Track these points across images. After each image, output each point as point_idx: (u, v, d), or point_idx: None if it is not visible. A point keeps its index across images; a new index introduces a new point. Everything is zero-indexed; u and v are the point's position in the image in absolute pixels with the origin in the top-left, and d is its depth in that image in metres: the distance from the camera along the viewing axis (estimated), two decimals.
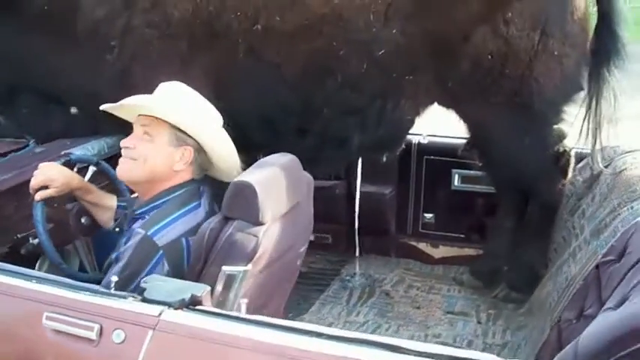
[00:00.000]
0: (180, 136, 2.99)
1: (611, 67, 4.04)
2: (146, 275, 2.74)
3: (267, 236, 2.88)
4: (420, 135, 4.93)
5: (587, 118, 4.13)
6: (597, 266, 3.11)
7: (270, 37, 3.90)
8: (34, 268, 3.24)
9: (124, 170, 3.02)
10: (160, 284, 2.50)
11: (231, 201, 2.86)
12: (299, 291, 4.61)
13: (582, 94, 4.17)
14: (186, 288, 2.47)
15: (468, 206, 4.90)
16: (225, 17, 3.91)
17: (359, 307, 4.47)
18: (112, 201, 3.40)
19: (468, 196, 4.88)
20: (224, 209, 2.89)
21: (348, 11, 3.83)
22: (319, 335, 2.22)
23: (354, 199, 5.04)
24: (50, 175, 3.22)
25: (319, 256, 5.19)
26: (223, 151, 3.17)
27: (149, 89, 3.91)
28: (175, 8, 3.95)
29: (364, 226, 5.02)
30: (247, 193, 2.81)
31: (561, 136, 4.22)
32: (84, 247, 3.55)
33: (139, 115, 3.03)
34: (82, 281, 2.89)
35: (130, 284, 2.72)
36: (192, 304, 2.39)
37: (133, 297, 2.43)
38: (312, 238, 5.08)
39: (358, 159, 4.62)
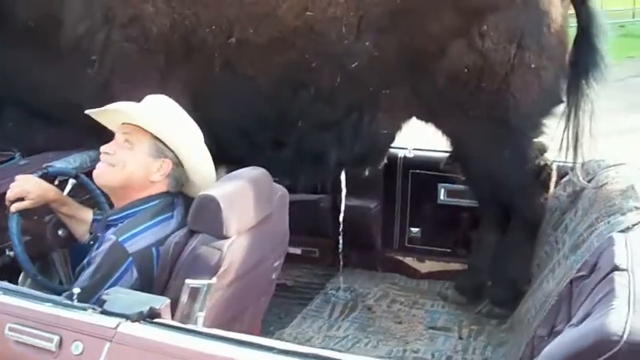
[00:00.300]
0: (161, 147, 3.03)
1: (590, 80, 4.02)
2: (115, 280, 2.79)
3: (233, 250, 2.88)
4: (405, 149, 4.91)
5: (566, 131, 4.10)
6: (571, 282, 3.09)
7: (245, 50, 3.92)
8: (11, 280, 3.25)
9: (100, 174, 3.05)
10: (120, 296, 2.52)
11: (195, 215, 2.89)
12: (282, 305, 4.63)
13: (562, 106, 4.15)
14: (146, 301, 2.48)
15: (454, 220, 4.87)
16: (200, 32, 3.95)
17: (340, 321, 4.44)
18: (87, 214, 3.41)
19: (454, 211, 4.85)
20: (189, 223, 2.92)
21: (321, 24, 3.85)
22: (270, 349, 2.22)
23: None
24: (26, 187, 3.25)
25: (306, 270, 5.17)
26: (200, 167, 3.19)
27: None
28: (153, 23, 3.99)
29: (350, 241, 4.98)
30: (211, 206, 2.83)
31: (542, 150, 4.18)
32: (60, 259, 3.57)
33: (122, 123, 3.06)
34: (56, 293, 2.94)
35: (98, 289, 2.74)
36: (150, 316, 2.40)
37: (93, 309, 2.45)
38: (298, 252, 5.19)
39: (339, 173, 4.61)
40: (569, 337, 2.47)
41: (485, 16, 3.83)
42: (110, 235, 2.87)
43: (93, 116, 3.14)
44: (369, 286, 4.89)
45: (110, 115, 3.11)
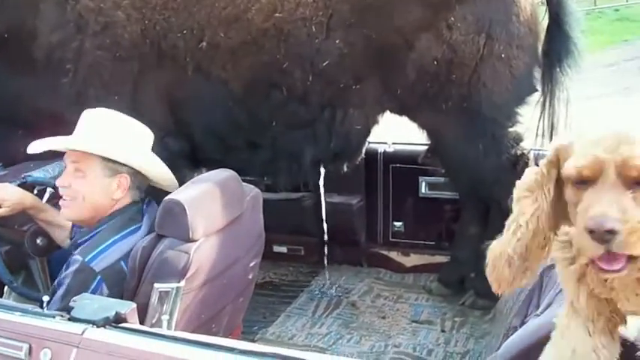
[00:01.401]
0: (112, 166, 3.01)
1: (564, 67, 4.02)
2: None
3: (201, 252, 2.90)
4: (385, 143, 4.92)
5: (542, 119, 4.11)
6: (542, 271, 3.08)
7: (216, 53, 3.93)
8: None
9: (66, 212, 3.06)
10: (87, 302, 2.53)
11: (161, 219, 2.91)
12: (267, 304, 4.67)
13: (538, 95, 4.15)
14: (112, 306, 2.49)
15: (436, 213, 4.87)
16: (171, 37, 3.95)
17: (324, 318, 4.46)
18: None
19: (436, 203, 4.85)
20: (156, 227, 2.94)
21: (290, 25, 3.85)
22: (231, 350, 2.23)
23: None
24: (2, 195, 3.27)
25: (292, 269, 5.21)
26: (158, 169, 3.19)
27: None
28: (125, 30, 3.99)
29: (334, 237, 4.99)
30: (176, 210, 2.85)
31: (518, 139, 4.16)
32: (38, 267, 3.59)
33: (68, 149, 3.05)
34: (32, 300, 2.97)
35: None
36: (116, 321, 2.42)
37: (61, 316, 2.47)
38: (284, 250, 5.21)
39: (318, 170, 4.62)
40: (530, 327, 2.49)
41: (452, 8, 3.83)
42: (76, 257, 2.88)
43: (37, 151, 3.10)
44: (354, 281, 4.91)
45: (55, 145, 3.08)
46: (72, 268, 2.86)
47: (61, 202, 3.07)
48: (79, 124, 3.10)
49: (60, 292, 2.83)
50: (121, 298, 2.82)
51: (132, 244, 2.96)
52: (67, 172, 3.05)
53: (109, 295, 2.82)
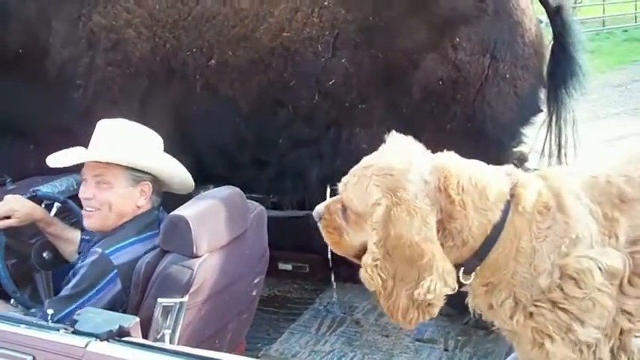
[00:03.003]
0: (137, 174, 3.08)
1: (569, 88, 4.04)
2: (99, 290, 2.87)
3: (205, 268, 2.93)
4: None
5: (547, 139, 4.12)
6: None
7: (224, 72, 3.98)
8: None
9: (92, 222, 3.11)
10: (91, 316, 2.56)
11: (165, 234, 2.95)
12: (271, 320, 4.68)
13: (543, 115, 4.17)
14: (115, 320, 2.52)
15: None
16: (181, 55, 4.02)
17: (327, 335, 4.46)
18: (75, 234, 3.47)
19: None
20: (160, 242, 2.97)
21: (297, 44, 3.90)
22: None
23: None
24: (13, 206, 3.33)
25: (297, 286, 5.22)
26: (175, 173, 3.26)
27: None
28: (135, 47, 4.07)
29: (339, 255, 4.98)
30: (181, 226, 2.88)
31: (522, 159, 4.18)
32: (43, 280, 3.63)
33: (93, 161, 3.09)
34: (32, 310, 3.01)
35: (80, 298, 2.84)
36: (119, 335, 2.44)
37: (65, 329, 2.49)
38: (289, 267, 5.21)
39: (323, 189, 4.65)
40: None
41: (457, 29, 3.86)
42: (96, 249, 2.94)
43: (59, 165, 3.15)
44: (359, 300, 4.91)
45: (79, 157, 3.13)
46: (90, 259, 2.92)
47: (84, 213, 3.12)
48: (95, 135, 3.16)
49: (74, 280, 2.90)
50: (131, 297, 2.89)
51: (149, 247, 3.02)
52: (88, 184, 3.10)
53: (119, 292, 2.90)
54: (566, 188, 2.16)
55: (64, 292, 2.89)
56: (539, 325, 2.10)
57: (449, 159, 2.34)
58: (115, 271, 2.90)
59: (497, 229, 2.20)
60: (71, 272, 3.01)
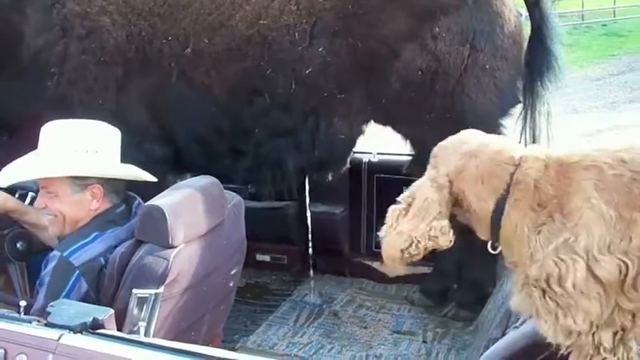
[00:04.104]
0: (80, 181, 2.98)
1: (545, 81, 4.03)
2: (65, 296, 2.77)
3: (181, 259, 2.88)
4: (369, 153, 4.91)
5: (523, 132, 4.12)
6: None
7: (200, 60, 3.93)
8: None
9: (53, 229, 3.04)
10: (64, 308, 2.51)
11: (141, 224, 2.89)
12: (249, 312, 4.65)
13: (520, 107, 4.16)
14: (89, 312, 2.48)
15: None
16: (156, 43, 3.96)
17: (305, 327, 4.44)
18: None
19: None
20: (136, 233, 2.92)
21: (274, 32, 3.86)
22: (209, 358, 2.23)
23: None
24: None
25: (275, 277, 5.19)
26: (122, 173, 3.12)
27: (87, 114, 3.94)
28: (110, 35, 4.00)
29: (318, 246, 4.96)
30: (156, 216, 2.82)
31: None
32: (17, 272, 3.56)
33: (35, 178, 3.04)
34: (9, 304, 2.94)
35: None
36: (93, 327, 2.40)
37: (37, 321, 2.44)
38: (267, 259, 5.19)
39: (302, 179, 4.62)
40: (509, 339, 2.49)
41: (437, 18, 3.84)
42: (54, 252, 2.85)
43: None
44: (337, 291, 4.90)
45: (23, 176, 3.04)
46: (51, 265, 2.83)
47: (45, 221, 3.06)
48: (40, 143, 3.04)
49: (41, 293, 2.81)
50: (100, 294, 2.82)
51: (112, 243, 2.93)
52: (40, 194, 3.04)
53: (86, 292, 2.81)
54: (576, 187, 2.08)
55: (35, 305, 2.80)
56: (533, 307, 2.09)
57: None
58: (77, 272, 2.81)
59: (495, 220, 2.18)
60: (38, 282, 2.92)
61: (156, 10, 3.98)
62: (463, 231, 4.34)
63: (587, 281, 1.98)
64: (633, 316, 2.01)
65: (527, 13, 4.08)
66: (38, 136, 3.15)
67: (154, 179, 3.20)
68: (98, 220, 3.01)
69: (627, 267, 1.97)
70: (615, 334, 2.02)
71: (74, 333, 2.34)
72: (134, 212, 3.10)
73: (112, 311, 2.50)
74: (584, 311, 1.98)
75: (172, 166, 4.22)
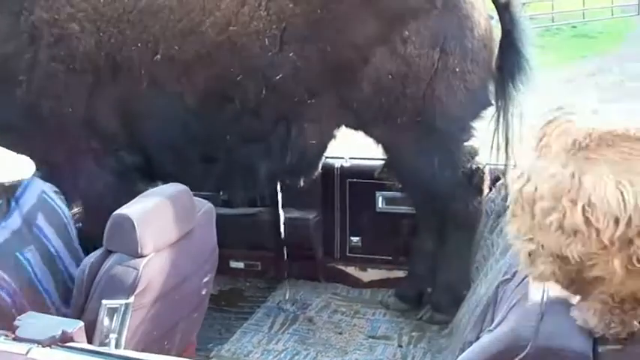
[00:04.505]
0: None
1: (517, 83, 4.06)
2: None
3: (151, 268, 2.87)
4: (342, 158, 4.91)
5: (496, 134, 4.13)
6: (498, 285, 3.09)
7: (170, 66, 3.91)
8: None
9: None
10: (32, 321, 2.48)
11: (110, 234, 2.88)
12: (223, 320, 4.63)
13: (492, 109, 4.17)
14: (58, 324, 2.46)
15: (393, 228, 4.84)
16: (126, 49, 3.93)
17: (280, 334, 4.42)
18: None
19: (393, 218, 4.83)
20: (105, 242, 2.89)
21: (244, 38, 3.85)
22: None
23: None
24: None
25: (249, 284, 5.15)
26: None
27: (57, 122, 3.91)
28: (79, 42, 3.96)
29: (292, 252, 4.97)
30: (125, 225, 2.82)
31: (473, 153, 4.19)
32: None
33: None
34: None
35: None
36: (62, 340, 2.38)
37: (5, 335, 2.41)
38: (241, 265, 5.16)
39: (274, 185, 4.61)
40: (483, 342, 2.48)
41: (407, 22, 3.85)
42: None
43: None
44: (311, 297, 4.88)
45: None
46: None
47: None
48: None
49: None
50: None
51: None
52: None
53: None
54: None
55: None
56: None
57: None
58: None
59: None
60: None
61: (125, 16, 3.94)
62: (435, 233, 4.41)
63: None
64: None
65: (498, 17, 4.10)
66: (7, 144, 3.10)
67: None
68: None
69: None
70: None
71: (43, 347, 2.32)
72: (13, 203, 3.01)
73: (81, 324, 2.49)
74: None
75: (143, 174, 4.19)
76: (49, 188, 3.22)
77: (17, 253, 2.90)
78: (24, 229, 2.98)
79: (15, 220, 2.97)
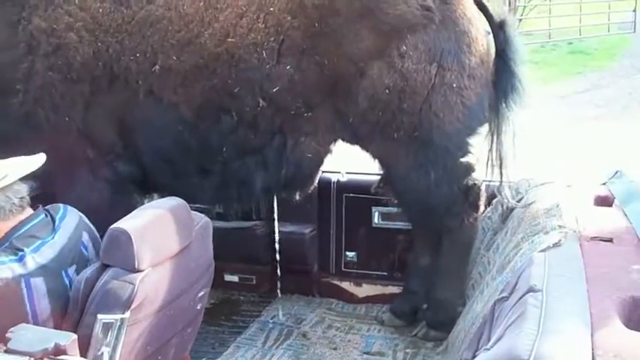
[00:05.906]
0: None
1: (510, 102, 4.05)
2: None
3: (147, 283, 2.83)
4: (338, 173, 4.90)
5: (490, 151, 4.12)
6: (494, 303, 3.07)
7: (168, 77, 3.90)
8: None
9: None
10: (24, 333, 2.45)
11: (106, 248, 2.84)
12: (217, 334, 4.61)
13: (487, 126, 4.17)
14: (51, 337, 2.42)
15: (389, 243, 4.85)
16: (124, 60, 3.91)
17: (274, 349, 4.39)
18: None
19: (389, 234, 4.84)
20: (101, 256, 2.86)
21: (242, 49, 3.84)
22: None
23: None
24: None
25: (243, 298, 5.14)
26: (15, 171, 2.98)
27: (54, 131, 3.87)
28: (77, 52, 3.94)
29: (287, 267, 4.95)
30: (122, 240, 2.78)
31: (469, 169, 4.18)
32: None
33: None
34: None
35: None
36: (55, 353, 2.35)
37: None
38: (236, 279, 5.13)
39: (269, 199, 4.59)
40: None
41: (404, 37, 3.85)
42: None
43: None
44: (306, 312, 4.86)
45: None
46: None
47: None
48: None
49: None
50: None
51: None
52: None
53: None
54: None
55: None
56: None
57: None
58: None
59: None
60: None
61: (124, 27, 3.93)
62: (430, 249, 4.39)
63: None
64: None
65: (492, 35, 4.10)
66: (3, 154, 3.07)
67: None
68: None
69: None
70: None
71: (35, 359, 2.29)
72: (58, 222, 3.00)
73: (74, 336, 2.45)
74: None
75: (139, 185, 4.17)
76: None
77: (62, 272, 2.89)
78: (69, 246, 2.97)
79: (62, 238, 2.96)
